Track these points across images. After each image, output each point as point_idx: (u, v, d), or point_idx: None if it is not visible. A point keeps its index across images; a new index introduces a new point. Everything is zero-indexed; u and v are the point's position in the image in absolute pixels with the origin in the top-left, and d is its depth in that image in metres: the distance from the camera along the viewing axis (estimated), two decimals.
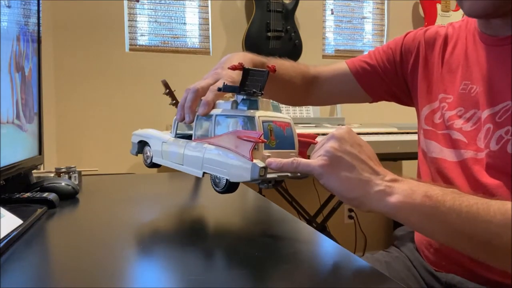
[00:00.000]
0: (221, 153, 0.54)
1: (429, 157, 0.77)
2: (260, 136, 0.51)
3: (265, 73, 0.53)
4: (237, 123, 0.55)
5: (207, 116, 0.58)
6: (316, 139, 0.58)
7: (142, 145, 0.69)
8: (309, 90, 0.95)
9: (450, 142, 0.73)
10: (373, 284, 0.41)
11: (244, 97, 0.56)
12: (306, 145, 0.58)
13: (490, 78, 0.69)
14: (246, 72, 0.54)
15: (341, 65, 0.94)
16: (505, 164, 0.63)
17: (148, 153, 0.67)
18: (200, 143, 0.57)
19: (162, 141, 0.64)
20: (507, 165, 0.63)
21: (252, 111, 0.55)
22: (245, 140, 0.51)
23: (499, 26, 0.68)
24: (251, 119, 0.54)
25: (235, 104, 0.56)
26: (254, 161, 0.52)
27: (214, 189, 0.56)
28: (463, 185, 0.69)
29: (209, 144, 0.56)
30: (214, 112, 0.57)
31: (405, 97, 0.89)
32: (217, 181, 0.56)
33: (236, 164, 0.52)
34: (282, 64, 0.90)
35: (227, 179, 0.54)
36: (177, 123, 0.63)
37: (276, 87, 0.85)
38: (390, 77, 0.88)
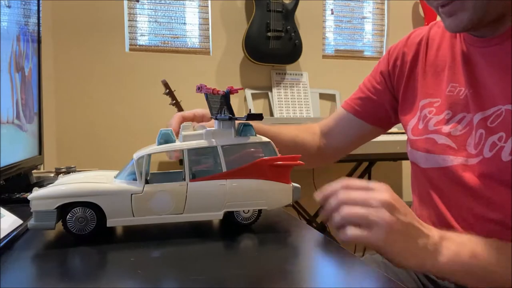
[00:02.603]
0: (256, 184, 0.53)
1: (418, 168, 0.76)
2: (297, 159, 0.54)
3: (223, 95, 0.52)
4: (254, 151, 0.54)
5: (203, 149, 0.53)
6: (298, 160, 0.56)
7: (61, 210, 0.49)
8: (321, 146, 0.93)
9: (435, 147, 0.71)
10: (373, 284, 0.41)
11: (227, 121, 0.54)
12: (289, 168, 0.56)
13: (479, 80, 0.66)
14: (206, 98, 0.55)
15: (339, 111, 0.92)
16: (499, 172, 0.62)
17: (83, 220, 0.50)
18: (210, 182, 0.52)
19: (132, 194, 0.50)
20: (502, 173, 0.61)
21: (257, 136, 0.55)
22: (281, 165, 0.53)
23: (484, 30, 0.66)
24: (266, 144, 0.54)
25: (235, 132, 0.54)
26: (292, 183, 0.55)
27: (239, 223, 0.54)
28: (453, 192, 0.67)
29: (229, 179, 0.52)
30: (215, 143, 0.53)
31: None
32: (245, 214, 0.54)
33: (275, 191, 0.54)
34: (284, 128, 0.91)
35: (258, 210, 0.54)
36: (146, 162, 0.52)
37: (286, 149, 0.88)
38: (387, 98, 0.85)
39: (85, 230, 0.50)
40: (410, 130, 0.78)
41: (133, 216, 0.51)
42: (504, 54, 0.64)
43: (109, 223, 0.50)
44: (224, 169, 0.52)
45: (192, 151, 0.52)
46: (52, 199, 0.49)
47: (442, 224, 0.69)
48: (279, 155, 0.55)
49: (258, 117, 0.53)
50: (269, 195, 0.54)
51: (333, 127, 0.92)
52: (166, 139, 0.54)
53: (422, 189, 0.75)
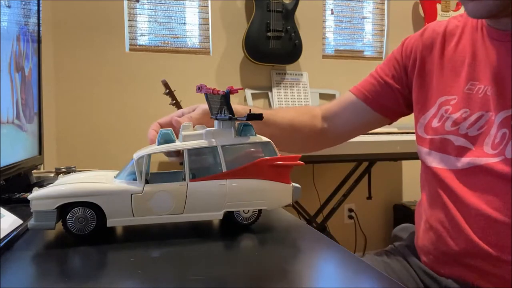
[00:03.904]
0: (256, 184, 0.52)
1: (427, 167, 0.74)
2: (298, 159, 0.54)
3: (223, 95, 0.52)
4: (254, 151, 0.54)
5: (203, 149, 0.53)
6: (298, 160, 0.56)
7: (61, 210, 0.49)
8: (322, 130, 0.89)
9: (450, 148, 0.69)
10: (373, 284, 0.41)
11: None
12: (289, 168, 0.55)
13: (502, 78, 0.64)
14: (206, 98, 0.55)
15: (346, 96, 0.88)
16: None
17: (83, 220, 0.49)
18: (210, 182, 0.52)
19: (132, 194, 0.50)
20: None
21: (257, 136, 0.55)
22: (281, 165, 0.53)
23: (507, 22, 0.65)
24: (266, 144, 0.54)
25: (235, 132, 0.54)
26: (292, 184, 0.55)
27: (239, 223, 0.54)
28: (466, 194, 0.66)
29: (229, 179, 0.52)
30: (215, 143, 0.52)
31: None
32: (245, 214, 0.54)
33: (275, 191, 0.54)
34: (281, 110, 0.87)
35: (258, 210, 0.54)
36: (146, 162, 0.51)
37: (282, 132, 0.83)
38: (399, 89, 0.82)
39: (85, 230, 0.50)
40: (422, 126, 0.76)
41: (133, 216, 0.50)
42: None
43: (109, 223, 0.50)
44: (224, 169, 0.52)
45: (192, 151, 0.52)
46: (52, 199, 0.48)
47: (451, 224, 0.68)
48: (279, 155, 0.55)
49: (258, 117, 0.52)
50: (269, 195, 0.54)
51: (338, 111, 0.89)
52: (166, 139, 0.54)
53: (432, 188, 0.73)
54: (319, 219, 2.15)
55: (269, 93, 2.24)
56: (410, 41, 0.81)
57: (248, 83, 2.24)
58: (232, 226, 0.55)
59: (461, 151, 0.67)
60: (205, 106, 0.70)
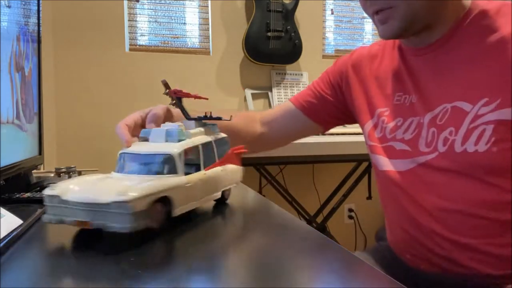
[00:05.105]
0: (232, 168, 0.67)
1: (379, 171, 0.81)
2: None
3: (177, 98, 0.71)
4: (224, 144, 0.67)
5: (208, 143, 0.63)
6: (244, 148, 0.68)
7: None
8: (261, 134, 0.98)
9: (394, 153, 0.77)
10: (373, 284, 0.41)
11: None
12: (239, 156, 0.69)
13: (423, 86, 0.74)
14: (178, 101, 0.71)
15: (286, 104, 0.98)
16: (455, 162, 0.68)
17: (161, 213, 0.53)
18: (215, 169, 0.63)
19: (186, 185, 0.56)
20: (457, 164, 0.68)
21: (220, 132, 0.68)
22: (239, 153, 0.69)
23: (416, 40, 0.75)
24: (228, 138, 0.68)
25: (209, 129, 0.66)
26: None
27: (224, 200, 0.68)
28: (417, 191, 0.73)
29: (221, 165, 0.64)
30: (212, 138, 0.64)
31: (352, 117, 0.93)
32: (226, 192, 0.68)
33: (238, 172, 0.69)
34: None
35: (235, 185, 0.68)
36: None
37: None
38: (333, 102, 0.93)
39: (162, 222, 0.52)
40: (366, 135, 0.85)
41: (186, 204, 0.55)
42: (438, 60, 0.73)
43: (174, 213, 0.53)
44: (217, 159, 0.64)
45: (204, 145, 0.62)
46: (148, 197, 0.48)
47: (414, 224, 0.74)
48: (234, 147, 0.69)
49: (220, 118, 0.67)
50: (237, 175, 0.69)
51: (278, 118, 0.98)
52: (181, 135, 0.60)
53: (389, 193, 0.80)
54: (319, 219, 2.15)
55: (269, 93, 2.24)
56: (342, 61, 0.93)
57: (248, 83, 2.24)
58: (220, 207, 0.67)
59: (403, 154, 0.75)
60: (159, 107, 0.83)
